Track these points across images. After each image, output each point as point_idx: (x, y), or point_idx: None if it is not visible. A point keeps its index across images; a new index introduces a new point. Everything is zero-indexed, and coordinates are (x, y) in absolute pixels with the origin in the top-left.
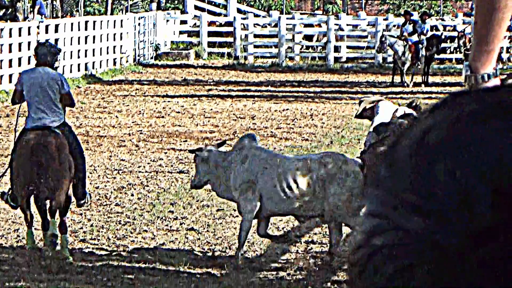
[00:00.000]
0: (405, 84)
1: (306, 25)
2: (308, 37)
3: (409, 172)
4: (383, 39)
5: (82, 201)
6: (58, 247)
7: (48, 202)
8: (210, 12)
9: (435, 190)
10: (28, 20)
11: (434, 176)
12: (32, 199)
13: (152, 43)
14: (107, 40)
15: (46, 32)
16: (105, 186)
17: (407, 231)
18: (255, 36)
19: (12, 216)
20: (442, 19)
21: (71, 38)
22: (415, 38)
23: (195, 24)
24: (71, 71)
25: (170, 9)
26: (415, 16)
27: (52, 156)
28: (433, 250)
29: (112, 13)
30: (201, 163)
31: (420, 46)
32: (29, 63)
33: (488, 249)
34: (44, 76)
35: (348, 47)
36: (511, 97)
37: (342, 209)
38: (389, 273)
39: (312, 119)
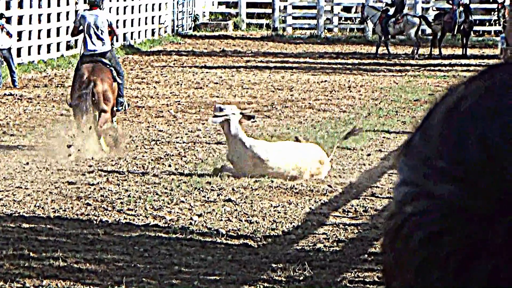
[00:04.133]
0: (377, 55)
1: None
2: (347, 9)
3: (439, 139)
4: (362, 9)
5: (120, 108)
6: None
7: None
8: None
9: (465, 155)
10: None
11: (464, 142)
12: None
13: (191, 13)
14: (146, 11)
15: (85, 2)
16: (143, 156)
17: (437, 197)
18: (294, 7)
19: (49, 186)
20: None
21: (110, 8)
22: (392, 10)
23: None
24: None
25: None
26: None
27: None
28: (463, 215)
29: None
30: None
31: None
32: (67, 33)
33: None
34: (97, 17)
35: None
36: None
37: None
38: (418, 240)
39: (350, 91)
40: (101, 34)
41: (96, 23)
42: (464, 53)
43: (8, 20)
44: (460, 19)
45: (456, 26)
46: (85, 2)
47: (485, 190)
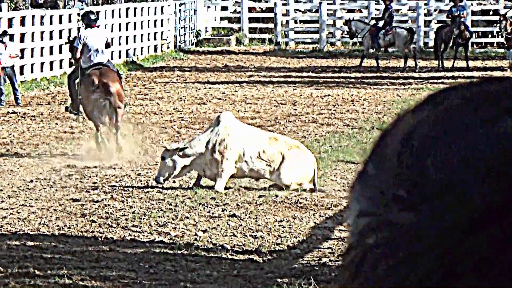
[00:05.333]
0: (361, 67)
1: (347, 11)
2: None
3: (397, 168)
4: (349, 24)
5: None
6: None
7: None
8: None
9: (424, 182)
10: (69, 7)
11: (422, 169)
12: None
13: (193, 29)
14: (148, 27)
15: (83, 21)
16: (147, 173)
17: (400, 226)
18: (296, 21)
19: (53, 204)
20: (483, 3)
21: (112, 25)
22: (381, 23)
23: (235, 10)
24: (112, 58)
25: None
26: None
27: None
28: (426, 242)
29: (152, 0)
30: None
31: (383, 32)
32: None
33: (482, 236)
34: (98, 34)
35: None
36: (493, 88)
37: None
38: (385, 269)
39: (354, 105)
40: (102, 51)
41: (98, 41)
42: (466, 65)
43: (11, 38)
44: (456, 31)
45: (452, 39)
46: (81, 20)
47: (447, 214)
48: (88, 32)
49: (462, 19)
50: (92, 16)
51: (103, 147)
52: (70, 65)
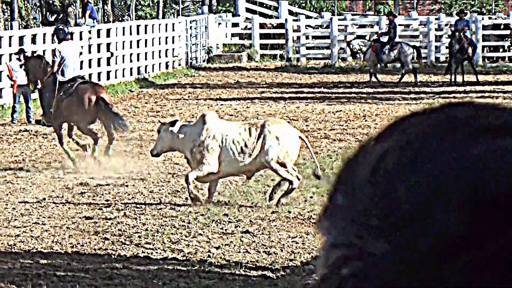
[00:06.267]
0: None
1: (358, 26)
2: (360, 38)
3: (368, 197)
4: (351, 46)
5: None
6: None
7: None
8: (262, 14)
9: (396, 211)
10: (79, 25)
11: (394, 197)
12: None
13: (204, 46)
14: (159, 44)
15: (98, 36)
16: (159, 190)
17: (374, 255)
18: (307, 37)
19: (66, 221)
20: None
21: (123, 42)
22: (385, 39)
23: (246, 26)
24: (123, 75)
25: (221, 12)
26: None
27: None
28: (400, 271)
29: (163, 17)
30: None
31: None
32: (81, 68)
33: (453, 264)
34: (71, 47)
35: None
36: (457, 113)
37: None
38: None
39: (366, 120)
40: (75, 63)
41: (73, 53)
42: (476, 79)
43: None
44: (456, 46)
45: (453, 54)
46: (54, 36)
47: (419, 242)
48: (63, 46)
49: (463, 33)
50: (65, 30)
51: (101, 160)
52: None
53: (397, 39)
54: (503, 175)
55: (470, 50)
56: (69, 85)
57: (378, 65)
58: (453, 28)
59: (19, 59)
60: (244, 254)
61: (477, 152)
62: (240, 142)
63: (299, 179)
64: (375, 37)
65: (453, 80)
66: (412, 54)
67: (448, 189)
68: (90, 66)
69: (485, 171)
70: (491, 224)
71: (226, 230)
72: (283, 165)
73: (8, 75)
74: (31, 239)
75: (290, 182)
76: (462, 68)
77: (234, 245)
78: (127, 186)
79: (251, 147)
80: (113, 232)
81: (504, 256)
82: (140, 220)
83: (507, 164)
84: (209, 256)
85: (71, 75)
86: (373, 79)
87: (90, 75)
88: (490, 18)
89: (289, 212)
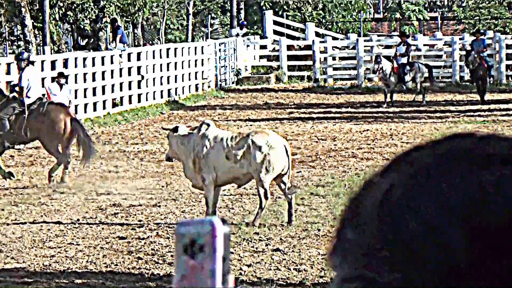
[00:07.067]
0: (385, 105)
1: (383, 47)
2: (386, 58)
3: (377, 230)
4: (378, 59)
5: None
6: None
7: None
8: (289, 36)
9: (406, 241)
10: (110, 49)
11: (402, 229)
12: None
13: (233, 68)
14: (189, 67)
15: (129, 60)
16: (191, 210)
17: (386, 284)
18: (334, 58)
19: (100, 242)
20: None
21: (153, 65)
22: (404, 60)
23: (274, 48)
24: (154, 98)
25: (249, 34)
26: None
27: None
28: None
29: (192, 40)
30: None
31: (408, 68)
32: (112, 91)
33: (464, 286)
34: (33, 71)
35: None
36: (459, 145)
37: None
38: None
39: (392, 139)
40: (38, 86)
41: (35, 76)
42: (481, 99)
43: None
44: (471, 66)
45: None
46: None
47: (430, 269)
48: (28, 70)
49: (477, 54)
50: (24, 57)
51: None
52: (114, 105)
53: (410, 59)
54: (504, 203)
55: (481, 72)
56: (35, 106)
57: (400, 85)
58: (469, 48)
59: (58, 83)
60: (275, 272)
61: (479, 182)
62: (225, 149)
63: (266, 198)
64: (392, 58)
65: (479, 99)
66: (424, 74)
67: (452, 220)
68: (121, 89)
69: (487, 201)
70: (494, 250)
71: (257, 248)
72: (263, 176)
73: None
74: (66, 260)
75: (260, 201)
76: (479, 88)
77: (265, 263)
78: (159, 206)
79: (237, 154)
80: (146, 251)
81: (507, 280)
82: (172, 239)
83: (507, 192)
84: (240, 274)
85: (35, 98)
86: (388, 98)
87: (121, 98)
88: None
89: (319, 230)
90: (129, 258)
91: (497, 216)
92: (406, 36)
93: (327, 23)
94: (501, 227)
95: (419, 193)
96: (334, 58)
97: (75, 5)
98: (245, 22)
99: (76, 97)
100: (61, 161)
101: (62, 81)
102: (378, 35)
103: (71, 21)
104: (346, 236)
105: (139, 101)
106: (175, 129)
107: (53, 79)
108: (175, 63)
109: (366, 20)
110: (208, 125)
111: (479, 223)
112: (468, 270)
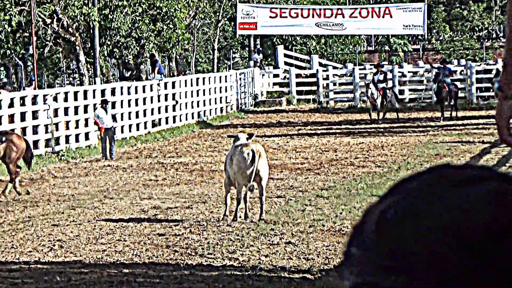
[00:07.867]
0: (376, 121)
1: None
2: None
3: (376, 244)
4: (369, 87)
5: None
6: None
7: None
8: (297, 67)
9: (401, 249)
10: (150, 79)
11: (397, 239)
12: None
13: (251, 93)
14: (215, 93)
15: (165, 88)
16: (218, 210)
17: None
18: (335, 84)
19: (143, 238)
20: (486, 63)
21: (186, 92)
22: (382, 85)
23: (285, 76)
24: (186, 119)
25: (265, 65)
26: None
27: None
28: None
29: (217, 70)
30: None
31: (388, 92)
32: (152, 114)
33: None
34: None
35: (410, 90)
36: (440, 172)
37: None
38: None
39: (383, 149)
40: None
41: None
42: (450, 115)
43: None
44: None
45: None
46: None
47: (424, 272)
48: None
49: (443, 80)
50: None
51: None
52: (153, 125)
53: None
54: (477, 213)
55: (444, 94)
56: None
57: (394, 104)
58: (436, 71)
59: (103, 108)
60: (288, 261)
61: (452, 198)
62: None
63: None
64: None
65: (440, 116)
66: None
67: (439, 228)
68: (159, 112)
69: (463, 211)
70: (479, 253)
71: (272, 241)
72: (231, 183)
73: (94, 122)
74: (115, 253)
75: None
76: (451, 106)
77: (279, 254)
78: (191, 208)
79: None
80: (181, 245)
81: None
82: (203, 235)
83: (474, 204)
84: (259, 263)
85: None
86: (374, 116)
87: (159, 119)
88: (480, 64)
89: (323, 226)
90: (167, 251)
91: (470, 221)
92: (381, 66)
93: (329, 55)
94: (476, 233)
95: (408, 211)
96: (334, 84)
97: (120, 43)
98: (261, 48)
99: (122, 119)
100: (14, 178)
101: (109, 106)
102: (371, 64)
103: (117, 56)
104: (351, 253)
105: (174, 121)
106: (237, 138)
107: (96, 105)
108: (204, 90)
109: (361, 52)
110: (238, 138)
111: (457, 231)
112: (460, 273)
